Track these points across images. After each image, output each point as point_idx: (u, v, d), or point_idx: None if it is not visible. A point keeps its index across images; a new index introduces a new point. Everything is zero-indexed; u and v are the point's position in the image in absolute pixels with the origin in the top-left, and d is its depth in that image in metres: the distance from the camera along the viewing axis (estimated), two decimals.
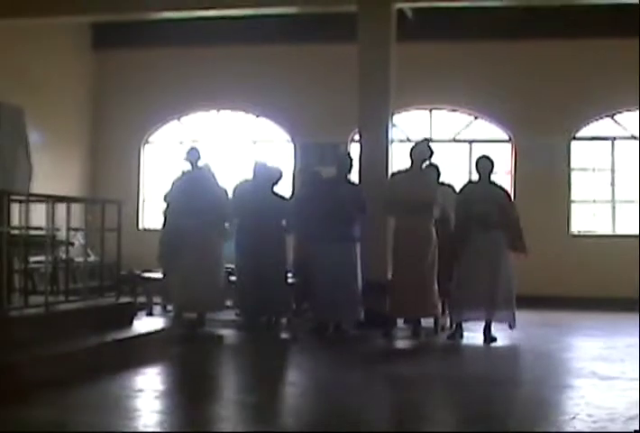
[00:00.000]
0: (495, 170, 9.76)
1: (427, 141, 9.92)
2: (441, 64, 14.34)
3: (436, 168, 10.29)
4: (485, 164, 9.66)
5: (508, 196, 9.81)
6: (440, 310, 9.77)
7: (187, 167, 10.38)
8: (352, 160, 10.29)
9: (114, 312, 8.24)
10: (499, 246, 9.40)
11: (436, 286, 9.46)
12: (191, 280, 9.86)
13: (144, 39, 14.90)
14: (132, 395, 6.35)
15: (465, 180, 10.54)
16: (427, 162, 9.91)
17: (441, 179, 10.36)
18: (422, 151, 9.72)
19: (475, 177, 9.90)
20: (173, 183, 10.38)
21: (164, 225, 10.67)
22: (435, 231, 9.49)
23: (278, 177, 10.26)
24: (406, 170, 9.78)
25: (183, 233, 9.96)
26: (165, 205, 10.55)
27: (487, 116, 14.80)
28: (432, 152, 9.77)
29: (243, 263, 10.06)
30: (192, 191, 10.06)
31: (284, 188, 10.62)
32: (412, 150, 9.73)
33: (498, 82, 14.34)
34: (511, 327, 9.50)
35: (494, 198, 9.51)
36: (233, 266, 10.33)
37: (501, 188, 9.79)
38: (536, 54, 14.22)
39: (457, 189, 10.08)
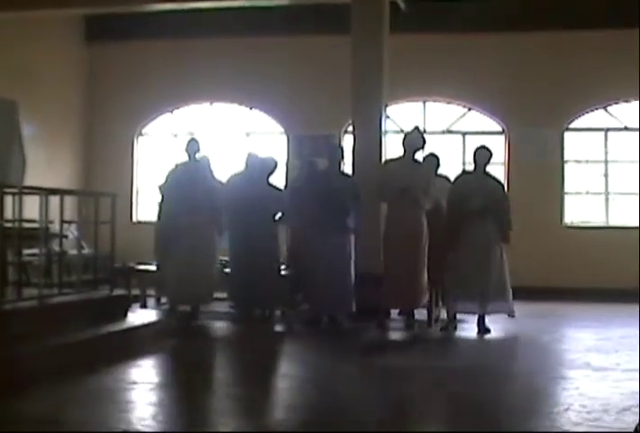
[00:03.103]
0: (491, 160, 9.75)
1: (418, 129, 9.89)
2: (434, 56, 14.33)
3: (436, 157, 10.27)
4: (483, 155, 9.62)
5: (503, 188, 9.80)
6: (428, 301, 9.78)
7: (184, 158, 10.37)
8: (343, 151, 10.30)
9: (108, 305, 8.24)
10: (492, 239, 9.41)
11: (425, 277, 9.47)
12: (185, 274, 9.87)
13: (137, 31, 14.87)
14: (126, 388, 6.35)
15: (459, 171, 10.50)
16: (422, 151, 9.92)
17: (439, 171, 10.38)
18: (414, 140, 9.71)
19: (469, 167, 9.88)
20: (168, 174, 10.35)
21: (159, 217, 10.61)
22: (427, 222, 9.50)
23: (272, 167, 10.26)
24: (399, 159, 9.80)
25: (177, 225, 9.96)
26: (160, 196, 10.51)
27: (480, 108, 14.79)
28: (424, 141, 9.77)
29: (237, 255, 10.07)
30: (187, 183, 10.03)
31: (278, 179, 10.61)
32: (404, 139, 9.74)
33: (492, 74, 14.34)
34: (510, 315, 9.52)
35: (490, 190, 9.50)
36: (227, 258, 10.34)
37: (496, 179, 9.78)
38: (530, 46, 14.21)
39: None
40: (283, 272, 10.21)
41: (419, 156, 9.93)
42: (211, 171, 10.27)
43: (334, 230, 9.69)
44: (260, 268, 9.79)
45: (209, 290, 10.13)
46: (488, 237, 9.38)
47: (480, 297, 9.34)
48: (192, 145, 10.32)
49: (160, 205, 10.49)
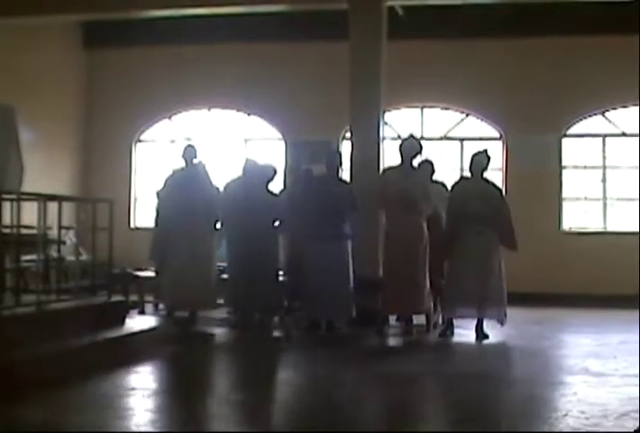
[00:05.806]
0: (489, 166, 9.73)
1: (413, 136, 9.92)
2: (432, 62, 14.35)
3: (431, 164, 10.28)
4: (480, 161, 9.61)
5: (501, 193, 9.79)
6: (431, 307, 9.78)
7: (181, 164, 10.43)
8: (341, 157, 10.31)
9: (107, 311, 8.23)
10: (490, 244, 9.39)
11: (428, 283, 9.47)
12: (182, 279, 9.91)
13: (135, 37, 14.87)
14: (124, 394, 6.34)
15: (457, 177, 10.50)
16: (419, 158, 9.92)
17: (434, 177, 10.38)
18: (411, 146, 9.73)
19: (467, 173, 9.87)
20: (166, 180, 10.42)
21: (156, 222, 10.66)
22: (427, 228, 9.50)
23: (272, 174, 10.27)
24: (397, 167, 9.80)
25: (174, 230, 10.01)
26: (157, 202, 10.58)
27: (478, 114, 14.80)
28: (421, 147, 9.78)
29: (235, 262, 10.07)
30: (185, 189, 10.11)
31: (276, 186, 10.62)
32: (401, 147, 9.74)
33: (490, 80, 14.34)
34: (501, 323, 9.51)
35: (487, 195, 9.49)
36: (225, 264, 10.34)
37: (494, 185, 9.77)
38: (527, 52, 14.23)
39: (449, 187, 10.07)
40: (281, 279, 10.21)
41: (416, 162, 9.93)
42: (208, 177, 10.34)
43: (332, 237, 9.69)
44: (257, 274, 9.78)
45: (210, 294, 10.18)
46: (486, 243, 9.36)
47: (478, 302, 9.33)
48: (189, 151, 10.41)
49: (158, 210, 10.53)
